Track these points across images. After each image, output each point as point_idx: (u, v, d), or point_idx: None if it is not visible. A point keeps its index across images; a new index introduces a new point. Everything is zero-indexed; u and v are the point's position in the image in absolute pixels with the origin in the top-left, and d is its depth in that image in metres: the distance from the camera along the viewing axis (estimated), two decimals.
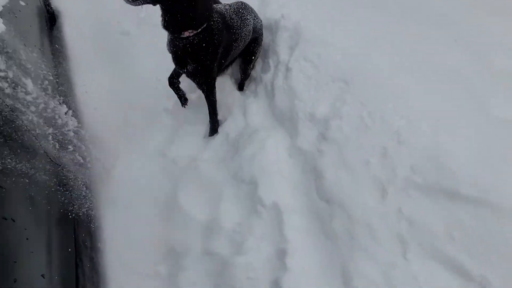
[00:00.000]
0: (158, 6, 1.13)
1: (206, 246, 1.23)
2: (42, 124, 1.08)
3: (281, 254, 1.17)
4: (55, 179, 1.09)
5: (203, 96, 1.53)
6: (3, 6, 1.15)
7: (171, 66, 1.48)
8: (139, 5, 1.05)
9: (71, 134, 1.19)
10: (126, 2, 1.03)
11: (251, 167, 1.42)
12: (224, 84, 1.76)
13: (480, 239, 1.00)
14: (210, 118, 1.59)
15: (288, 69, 1.67)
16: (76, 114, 1.48)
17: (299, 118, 1.51)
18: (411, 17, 1.70)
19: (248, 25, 1.58)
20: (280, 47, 1.77)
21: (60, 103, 1.22)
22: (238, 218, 1.30)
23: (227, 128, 1.61)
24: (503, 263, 0.95)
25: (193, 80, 1.45)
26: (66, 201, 1.12)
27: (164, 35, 1.33)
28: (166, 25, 1.20)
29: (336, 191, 1.27)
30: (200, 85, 1.47)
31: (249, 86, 1.89)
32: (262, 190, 1.34)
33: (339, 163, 1.29)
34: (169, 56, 1.39)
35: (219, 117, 1.64)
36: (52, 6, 2.12)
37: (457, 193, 1.06)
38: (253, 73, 1.92)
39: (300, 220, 1.29)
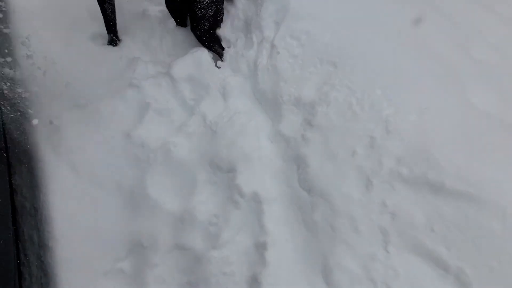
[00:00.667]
0: None
1: (178, 239, 1.11)
2: None
3: (260, 247, 1.09)
4: None
5: None
6: None
7: None
8: None
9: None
10: None
11: (229, 154, 1.30)
12: (201, 59, 1.56)
13: (459, 232, 1.00)
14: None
15: (272, 47, 1.52)
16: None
17: (283, 102, 1.40)
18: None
19: None
20: (265, 22, 1.60)
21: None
22: (213, 208, 1.19)
23: (204, 108, 1.45)
24: (481, 256, 0.96)
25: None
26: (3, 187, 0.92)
27: None
28: None
29: (319, 180, 1.20)
30: None
31: (230, 63, 1.71)
32: (241, 179, 1.24)
33: (323, 152, 1.22)
34: None
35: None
36: None
37: (442, 186, 1.04)
38: (235, 48, 1.73)
39: (280, 211, 1.21)
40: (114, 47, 1.63)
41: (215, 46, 1.65)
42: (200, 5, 1.52)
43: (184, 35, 1.74)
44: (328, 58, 1.41)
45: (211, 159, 1.32)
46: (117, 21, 1.66)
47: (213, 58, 1.63)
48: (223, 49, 1.66)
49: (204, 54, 1.61)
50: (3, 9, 1.57)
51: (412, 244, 1.04)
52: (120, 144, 1.28)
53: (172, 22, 1.74)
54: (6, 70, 1.36)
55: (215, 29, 1.66)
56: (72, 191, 1.14)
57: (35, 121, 1.25)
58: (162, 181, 1.25)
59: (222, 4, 1.64)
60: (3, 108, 1.19)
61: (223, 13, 1.68)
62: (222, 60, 1.64)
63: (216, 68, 1.59)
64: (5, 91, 1.31)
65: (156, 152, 1.30)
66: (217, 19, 1.65)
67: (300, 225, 1.18)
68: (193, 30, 1.60)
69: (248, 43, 1.67)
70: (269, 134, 1.40)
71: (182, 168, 1.29)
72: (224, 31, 1.74)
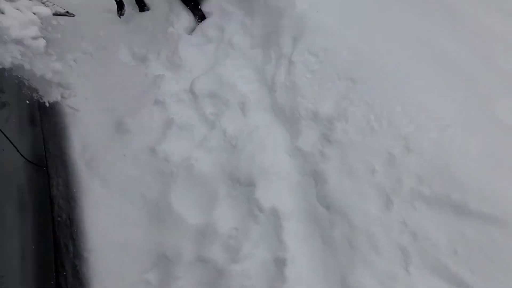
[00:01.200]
0: None
1: (200, 252, 1.16)
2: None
3: (279, 263, 1.12)
4: (29, 178, 0.97)
5: None
6: None
7: None
8: None
9: None
10: None
11: (248, 168, 1.34)
12: (222, 75, 1.63)
13: (484, 255, 0.98)
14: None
15: (291, 63, 1.56)
16: None
17: (301, 117, 1.42)
18: (426, 8, 1.60)
19: None
20: (283, 38, 1.64)
21: None
22: (233, 222, 1.23)
23: (224, 123, 1.51)
24: (507, 281, 0.93)
25: None
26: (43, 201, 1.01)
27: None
28: None
29: (337, 197, 1.21)
30: None
31: (248, 76, 1.76)
32: (260, 193, 1.27)
33: (342, 168, 1.23)
34: None
35: None
36: None
37: (465, 207, 1.01)
38: (252, 62, 1.78)
39: (298, 226, 1.23)
40: (141, 65, 1.73)
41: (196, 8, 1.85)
42: None
43: (205, 52, 1.81)
44: (347, 74, 1.42)
45: (231, 173, 1.36)
46: (144, 40, 1.77)
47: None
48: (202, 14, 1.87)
49: (225, 71, 1.67)
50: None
51: (434, 265, 1.02)
52: (146, 159, 1.36)
53: (194, 39, 1.82)
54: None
55: None
56: (103, 204, 1.23)
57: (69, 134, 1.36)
58: (185, 195, 1.31)
59: None
60: (45, 124, 1.29)
61: None
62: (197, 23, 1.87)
63: (236, 84, 1.64)
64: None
65: (179, 167, 1.36)
66: None
67: (318, 242, 1.19)
68: None
69: (267, 58, 1.72)
70: (287, 149, 1.43)
71: (203, 182, 1.34)
72: (242, 46, 1.80)
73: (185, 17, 1.85)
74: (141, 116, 1.50)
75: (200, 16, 1.88)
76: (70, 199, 1.19)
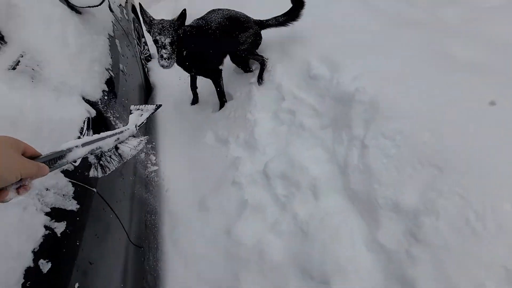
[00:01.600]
0: None
1: None
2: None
3: None
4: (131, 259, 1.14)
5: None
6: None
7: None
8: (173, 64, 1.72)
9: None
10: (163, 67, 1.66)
11: (322, 260, 1.26)
12: (293, 157, 1.71)
13: None
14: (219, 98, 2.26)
15: (364, 146, 1.54)
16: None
17: (379, 206, 1.33)
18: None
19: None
20: (354, 122, 1.67)
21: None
22: None
23: (295, 206, 1.52)
24: None
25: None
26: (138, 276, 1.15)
27: None
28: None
29: None
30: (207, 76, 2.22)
31: (319, 156, 1.80)
32: None
33: (438, 278, 1.04)
34: None
35: None
36: (150, 80, 2.55)
37: None
38: (322, 142, 1.83)
39: None
40: (223, 147, 1.99)
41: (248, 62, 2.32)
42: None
43: (278, 134, 1.97)
44: (430, 160, 1.30)
45: (303, 264, 1.30)
46: (226, 124, 2.07)
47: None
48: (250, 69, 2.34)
49: (295, 152, 1.76)
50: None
51: None
52: (221, 241, 1.45)
53: (268, 122, 2.03)
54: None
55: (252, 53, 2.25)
56: (182, 282, 1.32)
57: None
58: (256, 282, 1.30)
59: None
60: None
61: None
62: (250, 70, 2.35)
63: (307, 166, 1.69)
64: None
65: (251, 251, 1.39)
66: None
67: None
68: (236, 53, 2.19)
69: (337, 139, 1.75)
70: (365, 241, 1.31)
71: (274, 271, 1.32)
72: (312, 126, 1.89)
73: (261, 104, 2.11)
74: (220, 196, 1.65)
75: (260, 63, 2.25)
76: (155, 274, 1.32)
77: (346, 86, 1.77)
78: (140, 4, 1.71)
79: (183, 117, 2.30)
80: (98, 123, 1.04)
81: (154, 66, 2.79)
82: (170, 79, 2.63)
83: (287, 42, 2.30)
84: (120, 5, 1.99)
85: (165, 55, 1.61)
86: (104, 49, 1.37)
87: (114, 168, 0.74)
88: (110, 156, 0.74)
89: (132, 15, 2.42)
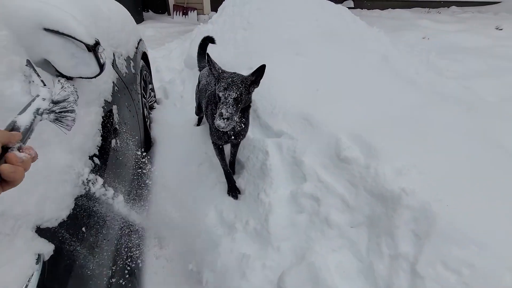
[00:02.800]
0: None
1: None
2: None
3: None
4: None
5: None
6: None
7: None
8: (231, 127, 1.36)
9: None
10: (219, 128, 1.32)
11: None
12: (318, 272, 1.32)
13: None
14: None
15: (415, 273, 1.17)
16: None
17: None
18: None
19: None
20: (399, 231, 1.31)
21: None
22: None
23: None
24: None
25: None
26: None
27: None
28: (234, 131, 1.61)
29: None
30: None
31: (348, 267, 1.42)
32: None
33: None
34: None
35: None
36: (150, 134, 2.24)
37: None
38: (353, 245, 1.46)
39: None
40: (227, 236, 1.61)
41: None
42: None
43: (295, 224, 1.60)
44: None
45: None
46: (234, 203, 1.71)
47: None
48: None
49: (319, 260, 1.38)
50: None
51: None
52: None
53: (285, 208, 1.67)
54: None
55: None
56: None
57: None
58: None
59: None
60: None
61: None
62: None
63: (336, 285, 1.30)
64: None
65: None
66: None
67: None
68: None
69: (374, 249, 1.38)
70: None
71: None
72: (340, 223, 1.53)
73: (278, 182, 1.77)
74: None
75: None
76: None
77: (388, 182, 1.44)
78: (208, 55, 1.49)
79: (183, 184, 1.95)
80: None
81: (158, 115, 2.52)
82: (173, 134, 2.33)
83: (312, 108, 2.03)
84: (128, 57, 1.75)
85: (226, 114, 1.29)
86: (92, 128, 1.06)
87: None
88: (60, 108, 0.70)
89: (142, 62, 2.20)
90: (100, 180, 0.98)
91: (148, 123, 2.26)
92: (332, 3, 3.40)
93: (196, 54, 3.18)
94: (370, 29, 3.10)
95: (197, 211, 1.76)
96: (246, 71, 2.63)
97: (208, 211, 1.75)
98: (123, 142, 1.36)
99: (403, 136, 1.69)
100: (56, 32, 0.87)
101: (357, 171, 1.60)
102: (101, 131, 1.13)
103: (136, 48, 1.96)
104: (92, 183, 0.93)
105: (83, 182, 0.90)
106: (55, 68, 0.95)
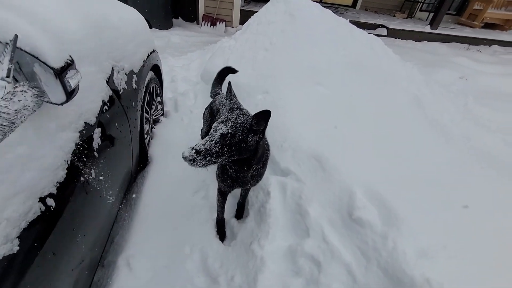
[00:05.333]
0: None
1: None
2: None
3: None
4: None
5: None
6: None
7: None
8: (203, 167, 1.00)
9: None
10: (190, 165, 0.99)
11: None
12: None
13: None
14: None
15: None
16: None
17: None
18: None
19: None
20: None
21: None
22: None
23: None
24: None
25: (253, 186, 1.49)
26: None
27: None
28: (237, 169, 1.22)
29: None
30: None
31: None
32: None
33: None
34: None
35: None
36: (148, 151, 2.08)
37: None
38: None
39: None
40: None
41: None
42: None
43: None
44: None
45: None
46: (222, 251, 1.47)
47: None
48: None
49: None
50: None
51: None
52: None
53: (279, 266, 1.42)
54: None
55: None
56: None
57: None
58: None
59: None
60: None
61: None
62: None
63: None
64: None
65: None
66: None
67: None
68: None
69: None
70: None
71: None
72: None
73: (278, 232, 1.53)
74: None
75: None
76: None
77: (409, 264, 1.17)
78: (230, 83, 1.23)
79: (172, 214, 1.74)
80: None
81: (162, 131, 2.37)
82: (173, 153, 2.15)
83: (327, 149, 1.79)
84: (132, 71, 1.61)
85: (199, 147, 0.98)
86: (55, 159, 0.88)
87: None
88: None
89: (151, 74, 2.07)
90: (44, 233, 0.79)
91: (147, 140, 2.11)
92: (364, 31, 3.17)
93: (212, 68, 3.07)
94: (403, 65, 2.83)
95: (180, 251, 1.54)
96: (260, 96, 2.48)
97: (191, 253, 1.53)
98: (102, 172, 1.18)
99: (432, 204, 1.40)
100: (19, 49, 0.71)
101: (371, 239, 1.33)
102: (68, 163, 0.95)
103: (144, 61, 1.83)
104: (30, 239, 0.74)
105: (18, 237, 0.71)
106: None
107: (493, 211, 1.44)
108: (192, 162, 0.97)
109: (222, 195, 1.51)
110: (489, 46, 7.19)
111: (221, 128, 1.02)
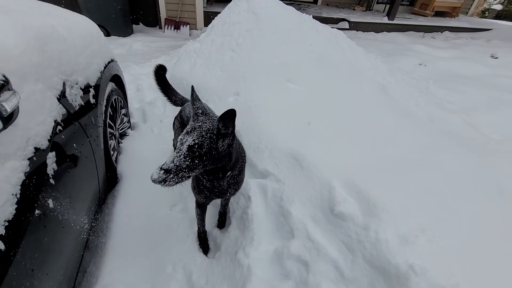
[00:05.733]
0: None
1: None
2: None
3: None
4: None
5: None
6: None
7: None
8: (177, 184, 0.94)
9: None
10: (161, 186, 0.92)
11: None
12: None
13: None
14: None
15: None
16: None
17: None
18: None
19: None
20: None
21: None
22: None
23: None
24: None
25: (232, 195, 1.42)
26: None
27: None
28: (212, 178, 1.16)
29: None
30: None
31: None
32: None
33: None
34: None
35: None
36: (117, 169, 1.94)
37: None
38: None
39: None
40: None
41: None
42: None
43: None
44: None
45: None
46: (206, 264, 1.40)
47: None
48: None
49: None
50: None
51: None
52: None
53: (267, 273, 1.38)
54: None
55: None
56: None
57: None
58: None
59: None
60: None
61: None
62: None
63: None
64: None
65: None
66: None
67: None
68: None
69: None
70: None
71: None
72: None
73: (262, 236, 1.49)
74: None
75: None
76: None
77: (392, 252, 1.18)
78: (192, 87, 1.12)
79: (148, 233, 1.64)
80: None
81: (130, 145, 2.23)
82: (145, 167, 2.03)
83: (303, 146, 1.78)
84: (87, 85, 1.48)
85: (167, 165, 0.91)
86: (3, 193, 0.77)
87: None
88: None
89: (112, 86, 1.93)
90: None
91: (115, 156, 1.97)
92: (327, 26, 3.24)
93: (179, 74, 2.96)
94: (366, 56, 2.92)
95: (162, 272, 1.45)
96: (232, 98, 2.42)
97: (174, 272, 1.44)
98: (62, 200, 1.06)
99: (407, 188, 1.44)
100: None
101: (354, 232, 1.34)
102: (18, 196, 0.84)
103: (102, 72, 1.70)
104: None
105: None
106: None
107: (469, 189, 1.51)
108: (163, 183, 0.91)
109: (201, 208, 1.44)
110: (441, 32, 7.72)
111: (187, 140, 0.95)
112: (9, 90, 0.70)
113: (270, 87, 2.30)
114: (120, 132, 2.20)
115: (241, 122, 2.08)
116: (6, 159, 0.85)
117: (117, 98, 2.06)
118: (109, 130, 1.84)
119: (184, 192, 1.86)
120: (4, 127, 0.70)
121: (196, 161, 0.95)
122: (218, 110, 2.24)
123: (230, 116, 0.93)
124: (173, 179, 0.92)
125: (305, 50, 2.63)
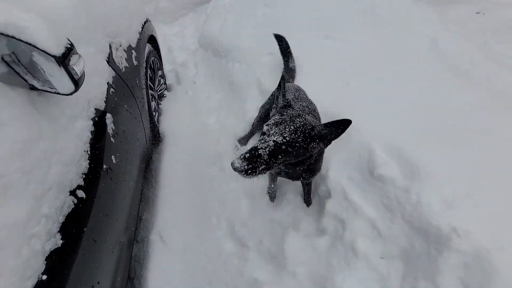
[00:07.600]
0: None
1: None
2: None
3: None
4: None
5: None
6: None
7: None
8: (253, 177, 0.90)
9: None
10: (242, 176, 0.90)
11: None
12: None
13: None
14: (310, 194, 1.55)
15: None
16: None
17: None
18: None
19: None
20: (444, 276, 1.09)
21: None
22: None
23: None
24: None
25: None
26: None
27: None
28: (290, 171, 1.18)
29: None
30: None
31: None
32: None
33: None
34: None
35: None
36: (159, 129, 2.05)
37: None
38: (384, 281, 1.26)
39: None
40: (238, 252, 1.46)
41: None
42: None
43: (315, 248, 1.41)
44: None
45: None
46: (245, 219, 1.54)
47: None
48: None
49: None
50: None
51: None
52: None
53: (303, 230, 1.47)
54: None
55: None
56: None
57: None
58: None
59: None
60: None
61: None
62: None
63: None
64: None
65: None
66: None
67: None
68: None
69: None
70: None
71: None
72: (369, 254, 1.32)
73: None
74: None
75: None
76: None
77: (435, 215, 1.18)
78: (283, 77, 1.05)
79: (192, 190, 1.78)
80: None
81: (168, 105, 2.30)
82: (184, 128, 2.13)
83: (341, 107, 1.72)
84: (130, 46, 1.50)
85: (248, 162, 0.87)
86: (76, 151, 0.87)
87: None
88: None
89: (149, 47, 1.94)
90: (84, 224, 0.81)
91: (156, 117, 2.07)
92: None
93: (210, 32, 2.85)
94: (416, 5, 2.58)
95: (207, 222, 1.60)
96: (265, 57, 2.33)
97: (218, 223, 1.59)
98: (121, 156, 1.17)
99: (455, 153, 1.38)
100: (12, 37, 0.65)
101: (394, 194, 1.34)
102: (89, 152, 0.94)
103: (140, 33, 1.70)
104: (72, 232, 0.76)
105: (59, 231, 0.73)
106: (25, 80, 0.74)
107: None
108: (244, 173, 0.87)
109: (270, 176, 1.49)
110: None
111: (275, 133, 0.89)
112: (76, 54, 0.74)
113: (306, 45, 2.16)
114: (158, 94, 2.27)
115: (276, 83, 2.03)
116: (75, 119, 0.94)
117: (154, 59, 2.08)
118: (150, 92, 1.91)
119: (222, 152, 1.94)
120: (76, 90, 0.75)
121: (278, 157, 0.90)
122: (253, 70, 2.21)
123: (344, 125, 0.89)
124: (254, 171, 0.88)
125: (348, 0, 2.38)
